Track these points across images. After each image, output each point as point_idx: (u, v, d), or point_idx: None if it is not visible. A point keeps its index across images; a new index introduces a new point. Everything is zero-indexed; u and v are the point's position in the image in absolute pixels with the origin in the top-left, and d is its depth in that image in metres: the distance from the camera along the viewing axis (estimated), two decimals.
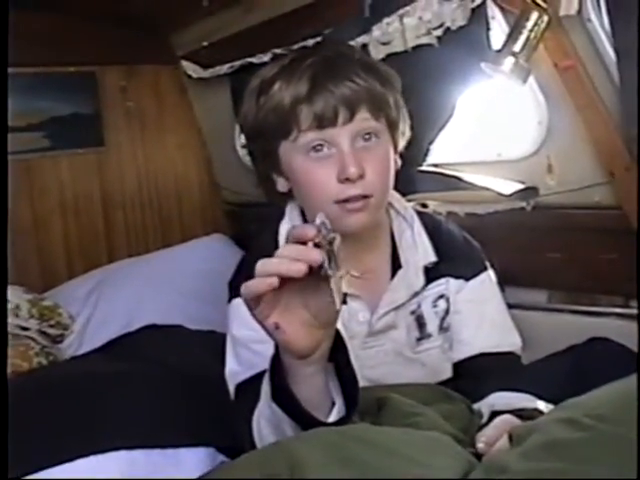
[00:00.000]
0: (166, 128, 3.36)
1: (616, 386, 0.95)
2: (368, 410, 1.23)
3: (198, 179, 3.44)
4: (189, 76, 3.12)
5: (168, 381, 2.11)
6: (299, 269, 0.96)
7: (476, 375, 1.54)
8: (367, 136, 1.40)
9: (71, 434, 1.88)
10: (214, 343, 1.88)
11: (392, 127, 1.46)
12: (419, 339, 1.57)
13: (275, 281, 0.98)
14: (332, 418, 1.12)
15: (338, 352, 1.13)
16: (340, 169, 1.37)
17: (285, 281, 0.99)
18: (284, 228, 1.56)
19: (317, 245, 0.97)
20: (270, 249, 1.54)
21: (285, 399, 1.12)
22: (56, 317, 2.68)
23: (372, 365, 1.54)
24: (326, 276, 0.97)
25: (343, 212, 1.40)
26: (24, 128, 2.95)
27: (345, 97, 1.37)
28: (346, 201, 1.39)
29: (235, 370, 1.49)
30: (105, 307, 2.75)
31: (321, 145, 1.39)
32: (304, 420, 1.10)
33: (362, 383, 1.30)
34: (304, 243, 0.98)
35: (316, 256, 0.96)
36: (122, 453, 1.81)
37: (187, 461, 1.85)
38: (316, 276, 0.97)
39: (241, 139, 3.04)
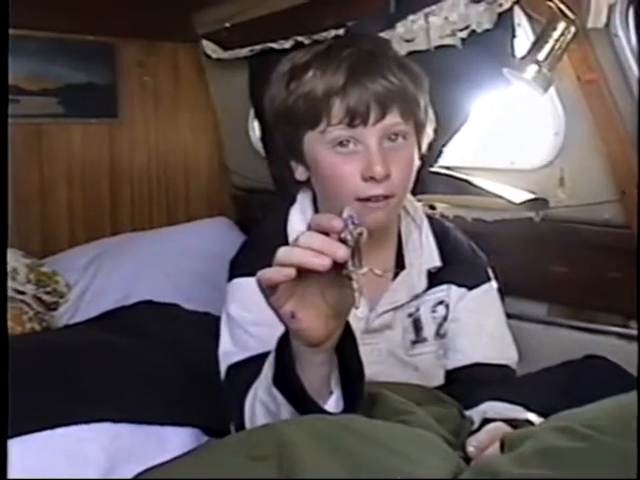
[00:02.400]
0: (180, 106, 3.35)
1: (614, 400, 0.94)
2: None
3: (208, 160, 3.43)
4: (208, 56, 3.11)
5: (159, 358, 2.11)
6: (324, 263, 0.93)
7: (469, 384, 1.53)
8: (394, 136, 1.38)
9: (57, 401, 1.87)
10: (208, 325, 1.86)
11: (419, 129, 1.44)
12: (414, 342, 1.56)
13: (292, 272, 0.96)
14: (329, 408, 1.12)
15: (345, 342, 1.12)
16: (366, 167, 1.35)
17: (304, 270, 0.96)
18: (295, 214, 1.55)
19: (341, 240, 0.93)
20: (278, 233, 1.55)
21: (289, 385, 1.10)
22: (53, 284, 2.67)
23: (365, 362, 1.52)
24: (348, 274, 0.94)
25: (364, 209, 1.37)
26: (38, 92, 2.95)
27: (379, 95, 1.34)
28: (368, 199, 1.37)
29: (229, 350, 1.47)
30: (103, 279, 2.74)
31: (348, 141, 1.37)
32: (306, 407, 1.09)
33: None
34: (326, 233, 0.95)
35: (341, 253, 0.93)
36: (107, 425, 1.81)
37: (171, 440, 1.85)
38: (337, 269, 0.95)
39: (254, 124, 3.04)
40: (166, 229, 3.12)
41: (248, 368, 1.33)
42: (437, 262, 1.56)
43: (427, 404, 1.33)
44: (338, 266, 0.94)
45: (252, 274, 1.47)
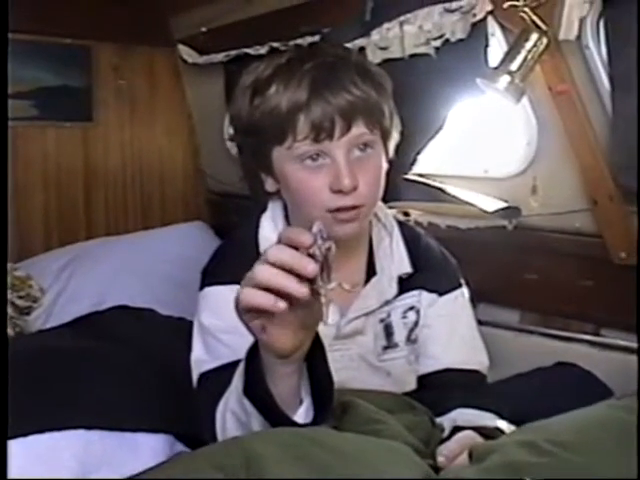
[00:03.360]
0: (156, 110, 3.34)
1: (581, 414, 0.95)
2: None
3: (183, 165, 3.43)
4: (184, 61, 3.12)
5: (133, 363, 2.09)
6: (304, 292, 0.94)
7: (440, 389, 1.54)
8: (362, 147, 1.39)
9: (29, 408, 1.85)
10: (183, 330, 1.81)
11: (385, 135, 1.44)
12: (385, 348, 1.57)
13: (285, 306, 0.95)
14: (299, 417, 1.12)
15: (315, 352, 1.12)
16: (334, 180, 1.35)
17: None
18: (266, 222, 1.56)
19: (310, 255, 0.94)
20: (249, 241, 1.56)
21: (259, 395, 1.11)
22: (26, 288, 2.65)
23: (336, 368, 1.50)
24: (317, 289, 0.95)
25: (334, 221, 1.38)
26: (12, 95, 2.91)
27: (342, 109, 1.34)
28: (338, 210, 1.38)
29: (201, 358, 1.47)
30: (77, 283, 2.73)
31: (317, 155, 1.37)
32: (275, 418, 1.09)
33: None
34: (296, 247, 0.95)
35: (311, 268, 0.93)
36: (80, 432, 1.79)
37: (144, 447, 1.84)
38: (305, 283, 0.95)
39: (230, 131, 3.03)
40: (141, 233, 3.11)
41: (220, 376, 1.33)
42: (408, 268, 1.57)
43: (398, 412, 1.34)
44: (307, 281, 0.94)
45: (223, 282, 1.50)
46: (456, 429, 1.34)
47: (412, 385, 1.58)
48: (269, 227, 1.55)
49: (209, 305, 1.49)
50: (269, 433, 0.98)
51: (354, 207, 1.38)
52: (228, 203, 3.32)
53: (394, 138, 1.50)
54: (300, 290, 0.94)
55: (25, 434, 1.76)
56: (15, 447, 1.74)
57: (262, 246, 1.51)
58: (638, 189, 1.82)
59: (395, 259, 1.58)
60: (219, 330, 1.44)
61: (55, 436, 1.78)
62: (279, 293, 0.95)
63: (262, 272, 0.95)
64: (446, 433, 1.34)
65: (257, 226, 1.56)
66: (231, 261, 1.52)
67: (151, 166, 3.33)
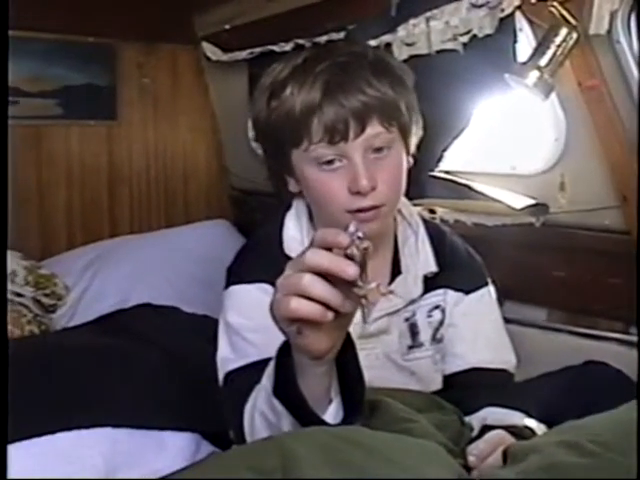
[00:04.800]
0: (180, 108, 3.34)
1: (618, 413, 0.93)
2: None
3: (207, 162, 3.42)
4: (208, 58, 3.11)
5: (158, 361, 2.10)
6: (351, 309, 0.95)
7: (467, 389, 1.52)
8: (379, 146, 1.37)
9: (56, 406, 1.86)
10: (207, 328, 1.85)
11: (404, 132, 1.43)
12: (410, 347, 1.56)
13: (333, 316, 0.94)
14: (329, 417, 1.11)
15: (346, 350, 1.11)
16: (352, 182, 1.35)
17: None
18: (291, 221, 1.55)
19: (348, 256, 0.91)
20: (274, 240, 1.55)
21: (289, 395, 1.09)
22: (51, 286, 2.66)
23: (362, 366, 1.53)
24: (358, 292, 0.92)
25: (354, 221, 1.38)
26: (37, 94, 2.94)
27: (356, 110, 1.34)
28: (357, 211, 1.37)
29: (227, 357, 1.46)
30: (101, 281, 2.74)
31: (333, 157, 1.36)
32: (306, 418, 1.08)
33: None
34: (330, 248, 0.92)
35: (352, 271, 0.90)
36: (107, 430, 1.80)
37: (171, 445, 1.84)
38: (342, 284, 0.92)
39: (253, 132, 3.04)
40: (165, 231, 3.11)
41: (246, 375, 1.33)
42: (433, 267, 1.56)
43: (427, 411, 1.32)
44: (344, 282, 0.92)
45: (249, 281, 1.49)
46: (485, 428, 1.32)
47: (438, 385, 1.56)
48: (294, 226, 1.55)
49: (234, 304, 1.49)
50: (305, 434, 0.96)
51: (373, 207, 1.37)
52: (251, 200, 3.31)
53: (415, 134, 1.48)
54: (347, 307, 0.94)
55: (52, 431, 1.77)
56: (41, 445, 1.75)
57: (287, 244, 1.51)
58: (638, 190, 1.82)
59: (420, 258, 1.56)
60: (245, 329, 1.44)
61: (82, 434, 1.79)
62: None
63: (308, 282, 0.92)
64: (475, 432, 1.33)
65: (282, 225, 1.55)
66: (256, 260, 1.52)
67: (175, 164, 3.33)
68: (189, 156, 3.37)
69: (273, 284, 0.99)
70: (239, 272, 1.54)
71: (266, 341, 1.16)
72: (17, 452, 1.66)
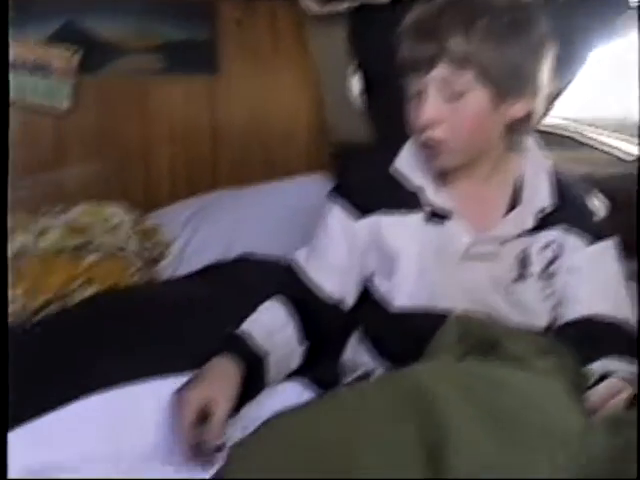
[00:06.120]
0: (279, 63, 3.33)
1: None
2: (480, 346, 1.20)
3: (307, 118, 3.39)
4: (306, 12, 3.08)
5: None
6: None
7: (584, 338, 1.49)
8: (458, 91, 1.45)
9: (158, 353, 1.89)
10: None
11: (496, 86, 1.46)
12: (517, 279, 1.56)
13: None
14: None
15: None
16: (421, 115, 1.47)
17: None
18: (404, 152, 1.64)
19: None
20: (380, 174, 1.63)
21: None
22: (156, 238, 2.70)
23: (467, 289, 1.55)
24: None
25: (426, 154, 1.54)
26: (141, 50, 2.98)
27: (447, 51, 1.42)
28: (424, 145, 1.50)
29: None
30: (204, 233, 2.76)
31: (416, 92, 1.48)
32: None
33: (457, 305, 1.42)
34: None
35: None
36: None
37: (279, 391, 1.84)
38: None
39: (354, 80, 3.03)
40: (265, 185, 3.09)
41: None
42: (551, 203, 1.57)
43: (544, 353, 1.30)
44: None
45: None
46: (603, 377, 1.31)
47: (542, 321, 1.56)
48: (405, 158, 1.63)
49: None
50: (439, 370, 0.95)
51: (437, 141, 1.47)
52: (352, 156, 3.27)
53: (524, 92, 1.51)
54: None
55: (153, 376, 1.79)
56: (140, 390, 1.77)
57: (400, 164, 1.63)
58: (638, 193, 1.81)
59: (540, 193, 1.58)
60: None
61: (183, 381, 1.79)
62: None
63: None
64: (594, 379, 1.30)
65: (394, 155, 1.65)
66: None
67: (275, 120, 3.32)
68: (290, 111, 3.36)
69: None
70: (340, 189, 1.70)
71: None
72: (117, 393, 1.69)
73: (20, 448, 1.55)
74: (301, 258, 1.72)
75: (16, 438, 1.57)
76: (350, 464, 0.81)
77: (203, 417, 1.32)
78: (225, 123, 3.22)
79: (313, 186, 2.99)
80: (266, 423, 0.99)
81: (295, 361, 1.62)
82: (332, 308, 1.63)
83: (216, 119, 3.20)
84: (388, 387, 0.89)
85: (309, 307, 1.63)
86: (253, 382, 1.43)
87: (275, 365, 1.51)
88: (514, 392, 0.89)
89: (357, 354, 1.68)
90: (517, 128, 1.55)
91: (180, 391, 1.37)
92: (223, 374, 1.39)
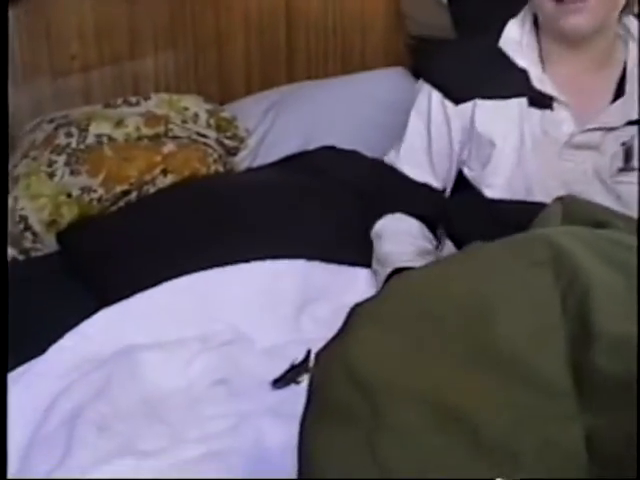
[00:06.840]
0: None
1: None
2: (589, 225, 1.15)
3: (384, 8, 3.26)
4: None
5: (346, 202, 2.07)
6: None
7: None
8: None
9: (248, 237, 1.89)
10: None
11: None
12: (621, 170, 1.52)
13: None
14: None
15: None
16: None
17: None
18: (514, 25, 1.61)
19: None
20: (476, 58, 1.61)
21: None
22: (233, 129, 2.66)
23: (567, 180, 1.52)
24: None
25: (560, 13, 1.45)
26: None
27: None
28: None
29: None
30: (281, 126, 2.71)
31: None
32: None
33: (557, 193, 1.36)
34: None
35: None
36: (301, 262, 1.81)
37: (362, 280, 1.83)
38: None
39: None
40: (343, 78, 3.02)
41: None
42: None
43: None
44: None
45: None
46: None
47: None
48: (516, 28, 1.60)
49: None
50: (570, 230, 0.90)
51: None
52: (430, 48, 3.16)
53: None
54: None
55: (246, 260, 1.79)
56: (237, 272, 1.77)
57: (504, 40, 1.60)
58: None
59: None
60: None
61: (277, 264, 1.79)
62: None
63: None
64: None
65: (500, 32, 1.61)
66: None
67: (352, 9, 3.20)
68: (367, 2, 3.23)
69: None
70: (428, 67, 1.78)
71: None
72: (216, 276, 1.71)
73: (114, 326, 1.58)
74: (394, 157, 1.83)
75: (109, 317, 1.59)
76: (487, 315, 0.77)
77: None
78: (301, 12, 3.12)
79: (391, 79, 2.93)
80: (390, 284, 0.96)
81: None
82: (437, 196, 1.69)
83: (291, 9, 3.11)
84: (519, 242, 0.85)
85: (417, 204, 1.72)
86: None
87: None
88: (631, 247, 0.85)
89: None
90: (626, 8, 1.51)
91: None
92: None
